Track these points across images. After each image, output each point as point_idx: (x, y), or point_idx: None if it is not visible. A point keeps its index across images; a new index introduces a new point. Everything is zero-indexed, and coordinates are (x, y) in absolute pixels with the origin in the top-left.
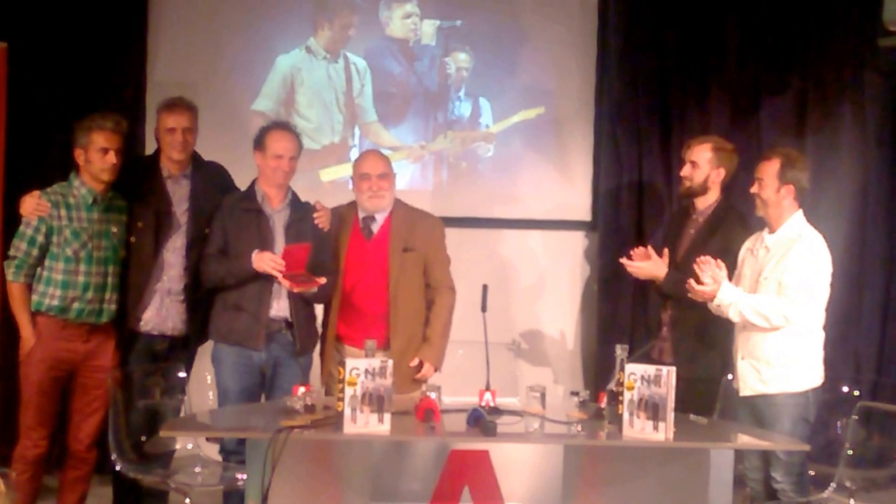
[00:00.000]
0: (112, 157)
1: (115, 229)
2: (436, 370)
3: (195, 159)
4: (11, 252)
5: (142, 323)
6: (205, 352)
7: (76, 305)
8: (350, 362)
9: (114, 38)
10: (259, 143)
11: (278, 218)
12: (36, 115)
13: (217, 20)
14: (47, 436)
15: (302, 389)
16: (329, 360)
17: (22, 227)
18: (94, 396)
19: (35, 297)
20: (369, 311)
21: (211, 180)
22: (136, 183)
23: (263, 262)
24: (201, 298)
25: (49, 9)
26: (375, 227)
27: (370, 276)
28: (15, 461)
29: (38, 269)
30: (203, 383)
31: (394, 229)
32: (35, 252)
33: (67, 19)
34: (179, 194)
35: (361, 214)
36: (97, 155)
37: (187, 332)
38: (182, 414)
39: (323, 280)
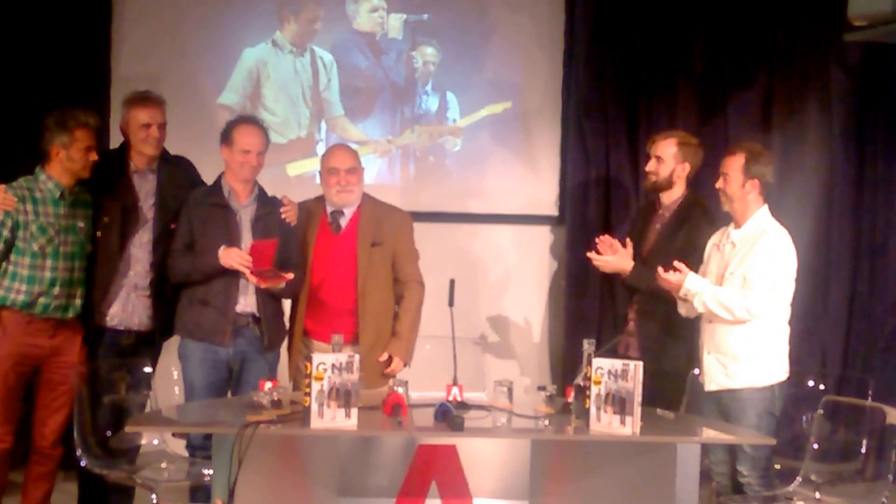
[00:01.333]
0: (94, 155)
1: (81, 224)
2: (405, 365)
3: (162, 154)
4: None
5: (108, 318)
6: (171, 347)
7: (42, 300)
8: (317, 357)
9: (78, 31)
10: (226, 138)
11: (245, 213)
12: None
13: (182, 13)
14: (12, 431)
15: (269, 385)
16: (296, 354)
17: None
18: (59, 392)
19: (0, 293)
20: (337, 305)
21: (178, 175)
22: (103, 177)
23: (230, 258)
24: (168, 293)
25: (11, 2)
26: (344, 222)
27: (338, 270)
28: None
29: (4, 264)
30: (169, 378)
31: (362, 223)
32: (0, 247)
33: (30, 13)
34: (146, 189)
35: (329, 209)
36: (80, 153)
37: (153, 328)
38: (148, 409)
39: (290, 276)
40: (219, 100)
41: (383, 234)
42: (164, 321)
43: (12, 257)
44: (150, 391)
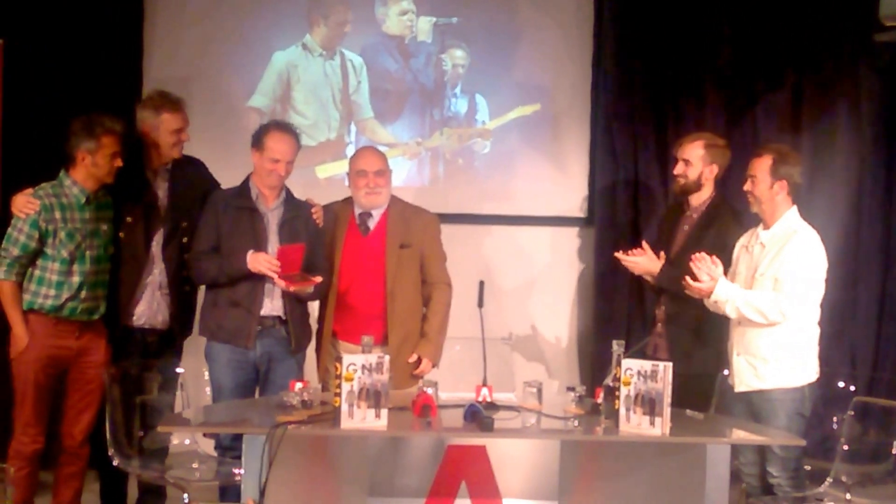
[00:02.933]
0: (120, 162)
1: (105, 227)
2: (434, 366)
3: None
4: (2, 254)
5: (134, 318)
6: (196, 347)
7: (70, 304)
8: (347, 358)
9: (110, 34)
10: (258, 143)
11: (272, 216)
12: (32, 112)
13: (213, 17)
14: (43, 431)
15: (299, 385)
16: (325, 355)
17: (13, 232)
18: (87, 391)
19: (27, 297)
20: (366, 307)
21: (190, 174)
22: (121, 178)
23: (259, 263)
24: (184, 291)
25: (45, 4)
26: (372, 224)
27: (367, 272)
28: (11, 458)
29: (30, 269)
30: (199, 379)
31: (390, 225)
32: (27, 255)
33: (63, 15)
34: (163, 188)
35: (358, 211)
36: (106, 160)
37: (172, 325)
38: (179, 409)
39: (319, 279)
40: (249, 102)
41: (411, 235)
42: (183, 319)
43: (39, 262)
44: (182, 391)
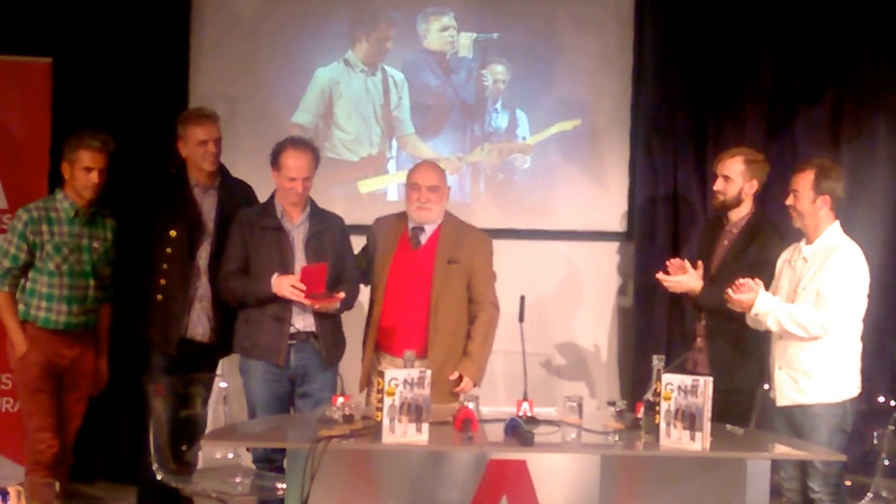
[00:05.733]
0: (95, 177)
1: (96, 244)
2: (475, 385)
3: (223, 173)
4: None
5: (183, 329)
6: (231, 361)
7: (63, 319)
8: (389, 373)
9: (156, 53)
10: (275, 161)
11: (298, 233)
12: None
13: (257, 35)
14: (56, 434)
15: (341, 399)
16: (368, 364)
17: (4, 244)
18: (76, 399)
19: (21, 308)
20: (409, 319)
21: (237, 195)
22: (164, 195)
23: (283, 289)
24: (225, 307)
25: (93, 24)
26: (423, 238)
27: (413, 285)
28: (33, 468)
29: (23, 281)
30: (240, 393)
31: (441, 241)
32: (18, 267)
33: (111, 35)
34: (208, 204)
35: (411, 224)
36: (81, 173)
37: (213, 340)
38: (218, 424)
39: (342, 295)
40: (292, 119)
41: (461, 252)
42: (224, 334)
43: (31, 275)
44: (226, 405)
